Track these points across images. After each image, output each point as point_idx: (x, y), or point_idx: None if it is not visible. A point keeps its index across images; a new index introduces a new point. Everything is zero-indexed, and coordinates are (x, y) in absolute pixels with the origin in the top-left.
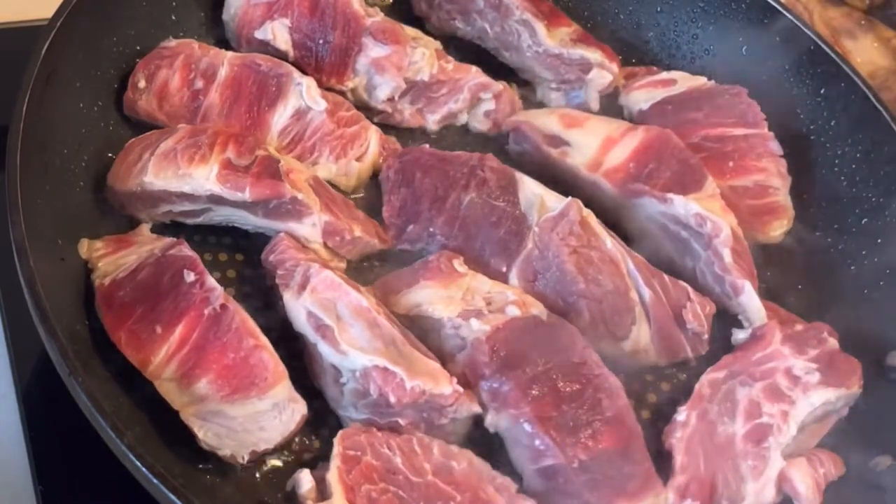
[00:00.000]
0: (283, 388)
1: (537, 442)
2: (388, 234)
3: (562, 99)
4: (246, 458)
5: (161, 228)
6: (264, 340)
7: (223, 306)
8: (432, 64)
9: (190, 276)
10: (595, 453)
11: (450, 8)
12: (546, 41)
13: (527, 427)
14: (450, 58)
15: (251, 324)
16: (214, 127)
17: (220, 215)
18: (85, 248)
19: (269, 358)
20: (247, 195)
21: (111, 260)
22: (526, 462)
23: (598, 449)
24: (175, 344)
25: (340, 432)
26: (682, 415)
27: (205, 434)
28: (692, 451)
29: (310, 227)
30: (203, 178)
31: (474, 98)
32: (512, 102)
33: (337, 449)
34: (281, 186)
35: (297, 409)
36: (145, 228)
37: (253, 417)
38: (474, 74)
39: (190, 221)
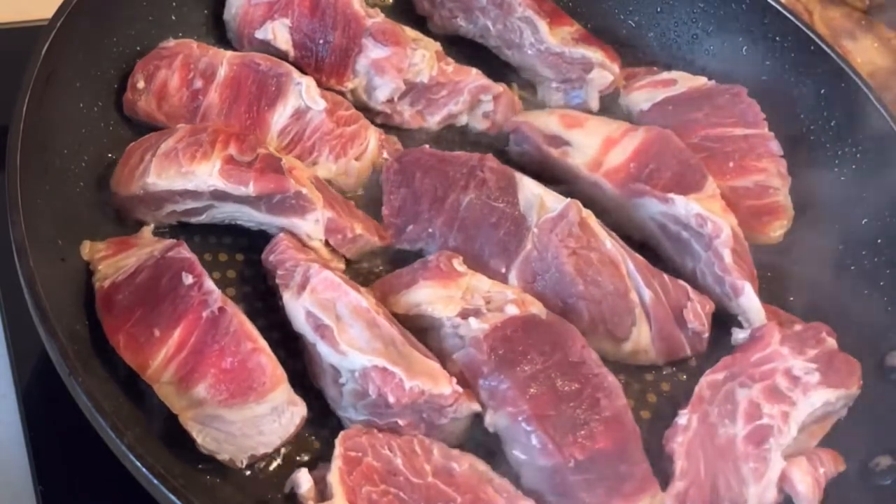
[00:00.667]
0: (282, 392)
1: (534, 440)
2: (388, 234)
3: (562, 99)
4: (245, 462)
5: (162, 230)
6: (262, 343)
7: (221, 309)
8: (432, 66)
9: (188, 279)
10: (592, 453)
11: (452, 6)
12: (548, 39)
13: (524, 425)
14: (450, 59)
15: (249, 326)
16: (214, 126)
17: (223, 212)
18: (87, 249)
19: (268, 361)
20: (250, 189)
21: (111, 262)
22: (523, 461)
23: (595, 449)
24: (173, 347)
25: (342, 433)
26: (682, 418)
27: (203, 439)
28: (693, 455)
29: (312, 224)
30: (206, 174)
31: (474, 100)
32: (511, 104)
33: (338, 450)
34: (285, 181)
35: (297, 412)
36: (147, 230)
37: (251, 422)
38: (474, 77)
39: (194, 220)
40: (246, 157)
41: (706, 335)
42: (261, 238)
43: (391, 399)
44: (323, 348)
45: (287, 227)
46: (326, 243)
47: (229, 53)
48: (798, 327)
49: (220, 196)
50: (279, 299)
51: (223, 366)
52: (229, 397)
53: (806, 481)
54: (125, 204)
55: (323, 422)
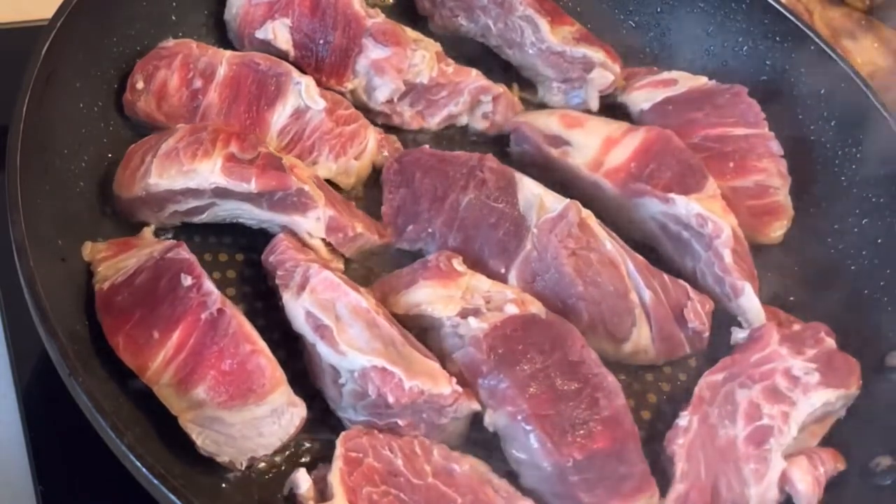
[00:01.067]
0: (281, 394)
1: (533, 440)
2: (388, 232)
3: (563, 98)
4: (244, 463)
5: (164, 230)
6: (262, 345)
7: (220, 310)
8: (432, 67)
9: (187, 280)
10: (590, 453)
11: (453, 5)
12: (549, 38)
13: (523, 425)
14: (450, 60)
15: (248, 328)
16: (214, 125)
17: (225, 210)
18: (88, 250)
19: (267, 363)
20: (252, 186)
21: (111, 263)
22: (522, 460)
23: (593, 448)
24: (172, 349)
25: (343, 434)
26: (684, 420)
27: (203, 441)
28: (693, 456)
29: (314, 222)
30: (208, 171)
31: (474, 101)
32: (511, 105)
33: (339, 450)
34: (287, 177)
35: (297, 413)
36: (148, 231)
37: (251, 424)
38: (474, 78)
39: (197, 220)
40: (247, 154)
41: (706, 334)
42: (261, 238)
43: (391, 399)
44: (322, 348)
45: (288, 225)
46: (326, 243)
47: (229, 53)
48: (797, 327)
49: (221, 193)
50: (279, 299)
51: (222, 367)
52: (228, 399)
53: (806, 480)
54: (128, 206)
55: (323, 422)
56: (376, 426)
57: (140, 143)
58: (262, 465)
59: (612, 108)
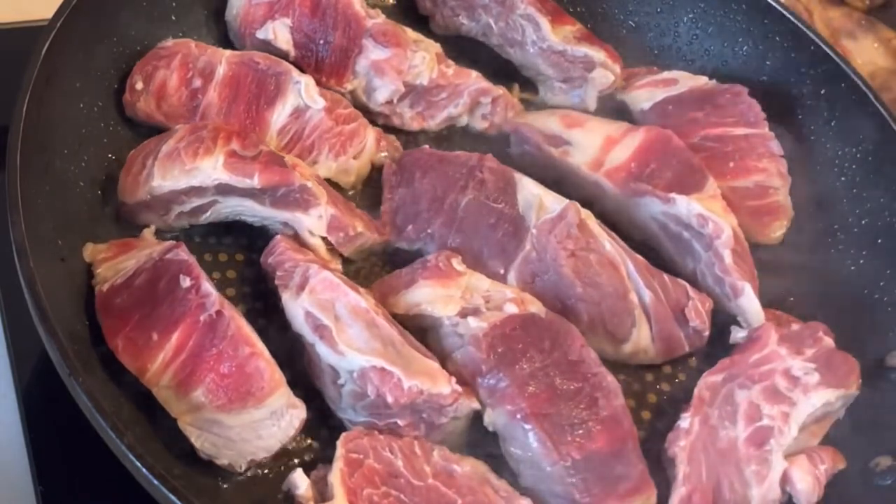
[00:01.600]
0: (281, 396)
1: (532, 439)
2: (386, 230)
3: (564, 98)
4: (244, 466)
5: (165, 231)
6: (261, 347)
7: (219, 312)
8: (432, 68)
9: (185, 282)
10: (588, 452)
11: (454, 4)
12: (550, 37)
13: (522, 424)
14: (450, 62)
15: (247, 330)
16: (214, 124)
17: (228, 207)
18: (88, 252)
19: (266, 366)
20: (256, 181)
21: (111, 265)
22: (521, 458)
23: (591, 448)
24: (171, 351)
25: (343, 435)
26: (685, 421)
27: (202, 444)
28: (695, 459)
29: (316, 219)
30: (210, 168)
31: (474, 103)
32: (510, 106)
33: (340, 451)
34: (290, 173)
35: (296, 415)
36: (148, 232)
37: (250, 427)
38: (474, 79)
39: (202, 220)
40: (248, 152)
41: (707, 333)
42: (261, 238)
43: (390, 399)
44: (322, 349)
45: (290, 222)
46: (326, 243)
47: (228, 52)
48: (795, 327)
49: (224, 190)
50: (279, 300)
51: (221, 370)
52: (227, 402)
53: (806, 480)
54: (133, 211)
55: (323, 423)
56: (376, 426)
57: (140, 148)
58: (263, 466)
59: (612, 108)
